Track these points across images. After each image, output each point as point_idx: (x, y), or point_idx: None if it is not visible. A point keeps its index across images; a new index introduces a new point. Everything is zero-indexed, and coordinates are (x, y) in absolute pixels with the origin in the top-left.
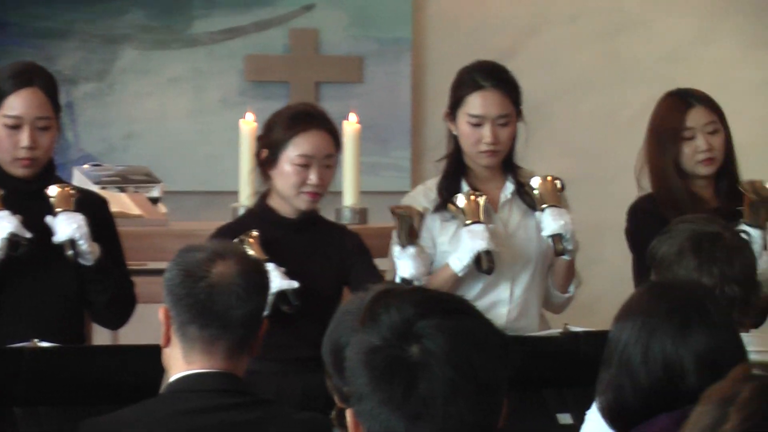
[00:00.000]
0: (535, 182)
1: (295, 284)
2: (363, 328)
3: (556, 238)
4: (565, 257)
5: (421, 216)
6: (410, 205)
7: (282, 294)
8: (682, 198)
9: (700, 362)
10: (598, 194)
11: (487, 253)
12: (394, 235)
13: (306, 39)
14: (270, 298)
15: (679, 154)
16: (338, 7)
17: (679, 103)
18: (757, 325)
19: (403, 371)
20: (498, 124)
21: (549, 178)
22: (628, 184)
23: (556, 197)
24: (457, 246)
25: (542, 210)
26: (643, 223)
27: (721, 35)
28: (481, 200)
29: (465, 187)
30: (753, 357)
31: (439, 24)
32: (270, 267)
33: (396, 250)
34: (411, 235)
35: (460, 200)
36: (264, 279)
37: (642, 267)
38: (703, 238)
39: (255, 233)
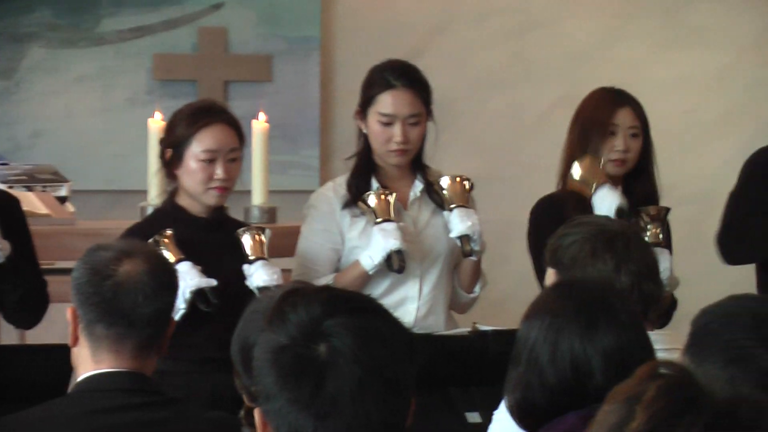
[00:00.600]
0: (445, 182)
1: (213, 282)
2: (270, 327)
3: (464, 239)
4: (473, 258)
5: (263, 231)
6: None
7: (200, 292)
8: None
9: (608, 361)
10: (506, 193)
11: (399, 252)
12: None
13: (215, 38)
14: (188, 297)
15: (601, 149)
16: (247, 6)
17: (612, 99)
18: (662, 325)
19: (310, 370)
20: (409, 123)
21: (458, 178)
22: (536, 182)
23: (465, 197)
24: (368, 243)
25: (450, 210)
26: (544, 225)
27: (628, 35)
28: (391, 198)
29: (375, 184)
30: (660, 355)
31: (348, 23)
32: (187, 266)
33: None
34: (260, 251)
35: (371, 199)
36: (172, 277)
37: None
38: (615, 237)
39: (169, 232)
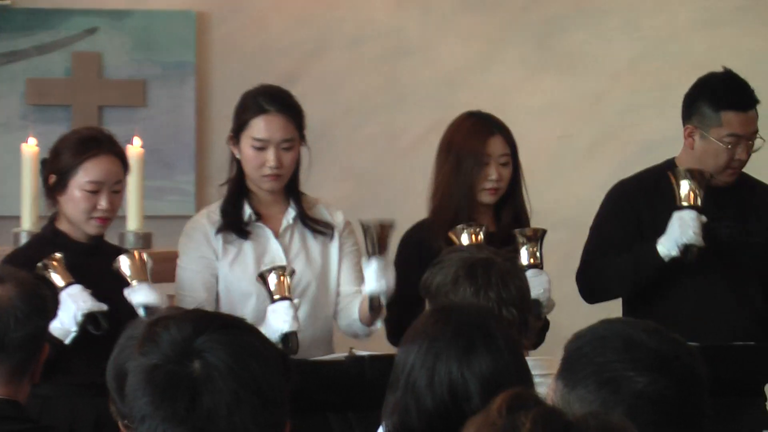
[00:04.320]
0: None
1: (104, 306)
2: (142, 350)
3: (375, 298)
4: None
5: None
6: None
7: (91, 316)
8: (461, 216)
9: (485, 385)
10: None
11: (293, 333)
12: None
13: (89, 62)
14: (80, 320)
15: (475, 178)
16: (121, 31)
17: (482, 128)
18: (536, 345)
19: (185, 386)
20: (282, 148)
21: (381, 225)
22: (410, 207)
23: (386, 245)
24: (241, 272)
25: (369, 259)
26: (408, 256)
27: (502, 61)
28: (288, 278)
29: (248, 210)
30: (537, 380)
31: (223, 48)
32: (77, 288)
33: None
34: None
35: (271, 277)
36: (44, 302)
37: (404, 301)
38: (476, 265)
39: (59, 256)
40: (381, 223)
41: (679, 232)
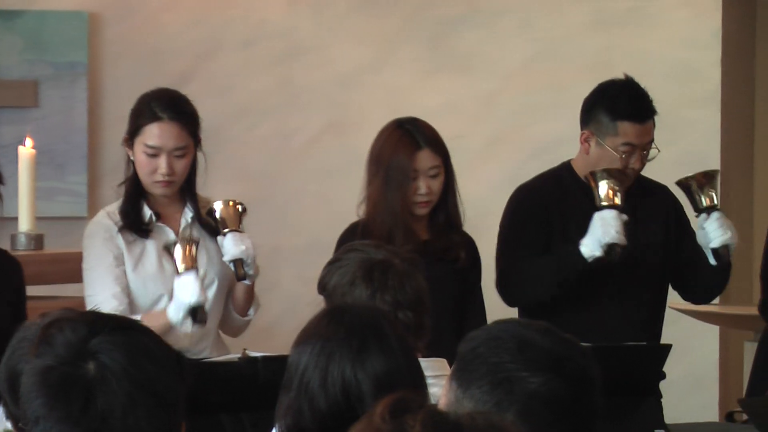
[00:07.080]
0: (218, 206)
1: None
2: (36, 352)
3: (238, 263)
4: (246, 282)
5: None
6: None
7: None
8: (395, 230)
9: (378, 385)
10: (274, 219)
11: (200, 306)
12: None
13: None
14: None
15: (406, 192)
16: (12, 31)
17: (409, 142)
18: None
19: (79, 387)
20: (174, 155)
21: (231, 202)
22: (304, 208)
23: (237, 222)
24: (141, 271)
25: (224, 235)
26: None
27: (396, 61)
28: (194, 249)
29: (147, 211)
30: (429, 382)
31: (116, 48)
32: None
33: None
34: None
35: (177, 251)
36: None
37: None
38: (374, 267)
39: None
40: (231, 201)
41: (602, 232)
